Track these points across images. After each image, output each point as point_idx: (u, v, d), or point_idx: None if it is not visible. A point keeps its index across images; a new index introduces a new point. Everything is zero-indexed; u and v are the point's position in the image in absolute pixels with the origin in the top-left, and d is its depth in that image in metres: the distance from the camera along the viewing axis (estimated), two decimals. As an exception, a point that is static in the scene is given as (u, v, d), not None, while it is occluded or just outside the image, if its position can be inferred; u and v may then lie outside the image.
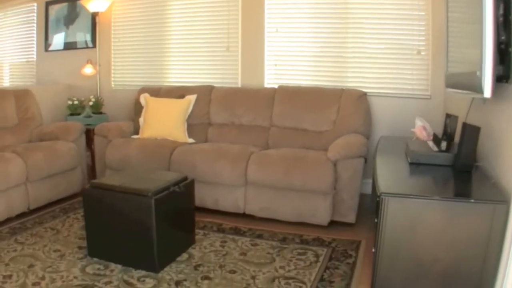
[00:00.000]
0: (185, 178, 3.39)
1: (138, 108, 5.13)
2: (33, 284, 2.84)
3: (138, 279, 2.92)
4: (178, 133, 4.73)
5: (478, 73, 2.19)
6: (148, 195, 2.97)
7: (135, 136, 4.88)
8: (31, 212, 4.30)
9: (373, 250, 2.38)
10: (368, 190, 4.30)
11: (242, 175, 3.89)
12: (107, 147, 4.67)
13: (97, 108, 5.83)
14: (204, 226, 3.86)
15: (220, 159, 3.99)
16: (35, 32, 7.24)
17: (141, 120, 4.97)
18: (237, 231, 3.76)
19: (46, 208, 4.45)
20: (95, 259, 3.22)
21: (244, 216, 4.03)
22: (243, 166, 3.89)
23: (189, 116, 4.89)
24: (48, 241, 3.58)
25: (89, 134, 5.36)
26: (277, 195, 3.83)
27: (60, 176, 4.61)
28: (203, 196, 4.03)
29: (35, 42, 7.26)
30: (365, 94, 4.43)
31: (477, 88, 2.22)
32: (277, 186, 3.78)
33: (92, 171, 5.47)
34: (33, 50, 7.35)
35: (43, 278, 2.93)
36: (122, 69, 6.19)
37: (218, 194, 4.05)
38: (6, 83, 7.90)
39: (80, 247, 3.44)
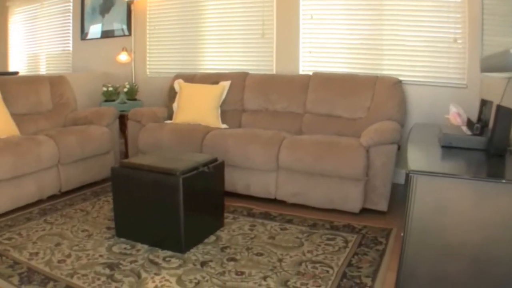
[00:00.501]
0: (215, 160, 3.44)
1: (172, 94, 5.23)
2: (59, 261, 2.95)
3: (164, 259, 2.99)
4: (211, 118, 4.81)
5: (511, 50, 2.20)
6: (176, 174, 3.01)
7: (168, 121, 4.98)
8: (63, 194, 4.45)
9: (401, 234, 2.40)
10: (402, 180, 4.31)
11: (274, 160, 3.94)
12: (140, 131, 4.80)
13: (131, 94, 5.97)
14: (234, 210, 3.93)
15: (252, 143, 4.05)
16: (71, 21, 7.45)
17: (174, 105, 5.07)
18: (267, 216, 3.80)
19: (77, 191, 4.59)
20: (122, 239, 3.31)
21: (275, 201, 4.08)
22: (275, 151, 3.93)
23: (223, 102, 4.98)
24: (77, 222, 3.71)
25: (123, 120, 5.52)
26: (309, 181, 3.86)
27: (93, 159, 4.76)
28: (235, 180, 4.10)
29: (71, 32, 7.47)
30: (400, 81, 4.41)
31: (511, 66, 2.23)
32: (309, 171, 3.81)
33: (125, 156, 5.63)
34: (69, 40, 7.56)
35: (69, 256, 3.03)
36: (157, 57, 6.32)
37: (250, 179, 4.11)
38: (43, 73, 8.13)
39: (108, 228, 3.54)
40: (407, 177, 2.20)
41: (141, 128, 4.85)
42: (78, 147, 4.53)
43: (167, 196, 3.04)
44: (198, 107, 4.89)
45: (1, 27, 9.40)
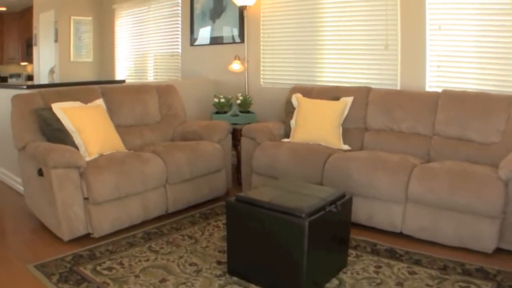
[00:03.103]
0: (343, 195, 3.47)
1: (289, 109, 5.44)
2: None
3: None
4: (332, 138, 4.98)
5: None
6: (301, 216, 3.00)
7: (285, 140, 5.20)
8: (169, 215, 4.70)
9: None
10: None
11: (402, 190, 3.99)
12: (255, 150, 5.03)
13: (244, 106, 6.28)
14: (356, 245, 3.97)
15: (378, 170, 4.13)
16: (179, 26, 7.93)
17: (292, 122, 5.27)
18: (392, 254, 3.79)
19: (185, 212, 4.83)
20: (234, 278, 3.37)
21: (400, 235, 4.11)
22: (404, 180, 3.99)
23: (344, 120, 5.12)
24: (184, 252, 3.83)
25: (235, 134, 5.75)
26: (438, 215, 3.87)
27: (203, 178, 5.00)
28: (357, 210, 4.11)
29: (180, 36, 7.95)
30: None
31: None
32: (440, 204, 3.83)
33: (237, 173, 5.89)
34: (178, 44, 8.04)
35: (175, 296, 3.17)
36: (271, 66, 6.62)
37: (373, 209, 4.20)
38: (151, 76, 8.68)
39: (219, 262, 3.63)
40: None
41: (256, 146, 5.07)
42: (187, 166, 4.75)
43: (289, 237, 3.06)
44: (318, 125, 5.07)
45: (108, 30, 10.09)
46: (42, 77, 10.29)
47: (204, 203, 5.07)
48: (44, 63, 10.55)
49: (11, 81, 13.70)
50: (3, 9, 13.25)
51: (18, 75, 13.97)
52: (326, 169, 4.45)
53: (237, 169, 5.94)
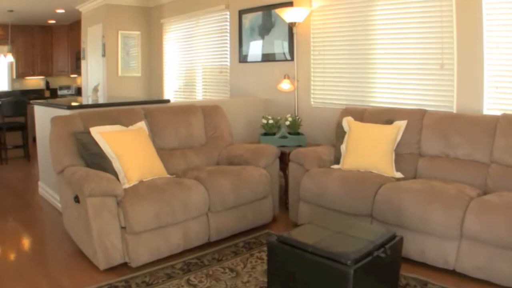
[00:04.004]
0: (393, 237, 3.40)
1: (339, 133, 5.42)
2: None
3: None
4: (385, 165, 4.94)
5: None
6: (346, 264, 2.94)
7: (335, 166, 5.19)
8: (211, 244, 4.71)
9: None
10: None
11: (457, 226, 3.90)
12: (303, 177, 5.02)
13: (294, 128, 6.29)
14: (406, 284, 3.87)
15: (432, 203, 4.04)
16: (228, 41, 8.06)
17: (343, 147, 5.25)
18: None
19: (228, 240, 4.84)
20: None
21: (453, 273, 4.02)
22: (459, 215, 3.90)
23: (397, 145, 5.06)
24: (224, 287, 3.81)
25: (283, 158, 5.75)
26: (495, 254, 3.75)
27: (248, 205, 5.00)
28: (407, 244, 4.07)
29: (228, 52, 8.07)
30: None
31: None
32: (497, 243, 3.72)
33: (285, 197, 5.87)
34: (226, 60, 8.17)
35: None
36: (322, 85, 6.65)
37: (425, 244, 4.11)
38: (199, 92, 8.80)
39: None
40: None
41: (304, 173, 5.07)
42: (232, 193, 4.75)
43: (333, 285, 3.01)
44: (370, 151, 5.03)
45: (156, 45, 10.30)
46: (90, 91, 10.56)
47: (249, 230, 5.08)
48: (92, 77, 10.88)
49: (61, 92, 14.14)
50: (53, 21, 13.66)
51: (68, 87, 14.41)
52: (377, 200, 4.41)
53: (285, 191, 5.93)
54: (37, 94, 14.18)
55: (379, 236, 3.34)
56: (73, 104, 5.95)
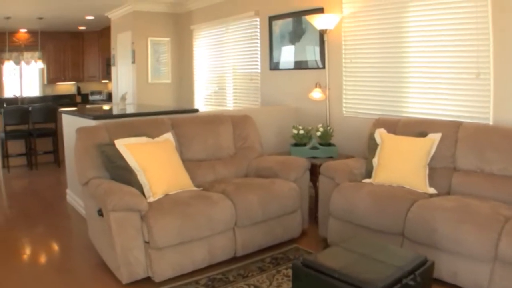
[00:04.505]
0: (424, 262, 3.28)
1: (372, 145, 5.35)
2: None
3: None
4: (417, 180, 4.84)
5: None
6: None
7: (366, 180, 5.12)
8: (237, 259, 4.68)
9: None
10: None
11: (491, 248, 3.78)
12: (333, 191, 4.95)
13: (325, 139, 6.24)
14: None
15: (465, 223, 3.94)
16: (258, 48, 8.06)
17: (374, 160, 5.18)
18: None
19: (255, 255, 4.81)
20: None
21: None
22: (494, 237, 3.78)
23: (431, 158, 4.96)
24: None
25: (314, 170, 5.70)
26: None
27: (276, 220, 4.96)
28: (439, 265, 3.97)
29: (258, 59, 8.06)
30: None
31: None
32: None
33: (315, 209, 5.81)
34: (257, 67, 8.15)
35: None
36: (353, 94, 6.59)
37: (458, 265, 4.01)
38: (230, 99, 8.81)
39: None
40: None
41: (335, 187, 5.00)
42: (260, 208, 4.72)
43: None
44: (403, 165, 4.95)
45: (186, 51, 10.37)
46: (119, 98, 10.63)
47: (277, 245, 5.05)
48: (122, 83, 11.01)
49: (93, 98, 14.36)
50: (83, 28, 13.85)
51: (99, 92, 14.63)
52: (408, 219, 4.31)
53: (315, 203, 5.88)
54: (68, 99, 14.48)
55: (409, 261, 3.25)
56: (99, 114, 6.01)
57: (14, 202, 7.54)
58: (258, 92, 8.21)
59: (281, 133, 6.98)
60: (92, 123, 5.52)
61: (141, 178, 4.54)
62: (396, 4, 5.92)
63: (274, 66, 7.74)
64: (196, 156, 5.48)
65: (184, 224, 4.18)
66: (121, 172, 4.59)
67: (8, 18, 11.25)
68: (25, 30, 13.60)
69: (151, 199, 4.41)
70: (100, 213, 4.20)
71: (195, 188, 4.92)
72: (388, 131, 5.35)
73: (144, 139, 4.92)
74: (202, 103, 10.18)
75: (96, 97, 14.76)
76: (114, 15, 11.25)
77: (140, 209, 4.11)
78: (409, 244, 4.30)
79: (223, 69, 9.29)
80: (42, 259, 5.02)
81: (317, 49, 6.91)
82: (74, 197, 6.76)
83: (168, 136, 5.18)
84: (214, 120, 5.82)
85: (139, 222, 4.13)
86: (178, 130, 5.43)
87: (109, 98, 13.89)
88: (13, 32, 13.39)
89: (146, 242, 4.13)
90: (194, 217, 4.26)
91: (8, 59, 12.50)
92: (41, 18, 11.61)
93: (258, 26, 8.06)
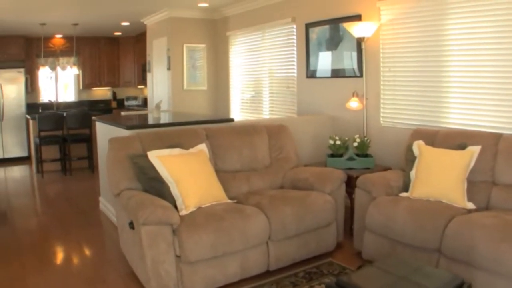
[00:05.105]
0: (460, 285, 3.26)
1: (409, 157, 5.31)
2: None
3: None
4: (456, 194, 4.81)
5: None
6: None
7: (403, 194, 5.10)
8: (270, 273, 4.71)
9: None
10: None
11: None
12: (370, 205, 4.95)
13: (362, 149, 6.23)
14: None
15: (505, 242, 3.84)
16: (295, 55, 8.09)
17: (412, 173, 5.15)
18: None
19: (288, 269, 4.81)
20: None
21: None
22: None
23: (470, 171, 4.91)
24: None
25: (350, 181, 5.71)
26: None
27: (310, 233, 4.98)
28: (477, 285, 3.93)
29: (295, 67, 8.09)
30: None
31: None
32: None
33: (350, 222, 5.81)
34: (293, 75, 8.18)
35: None
36: (391, 104, 6.57)
37: (497, 286, 3.92)
38: (265, 107, 8.83)
39: None
40: None
41: (371, 200, 5.00)
42: (294, 221, 4.74)
43: None
44: (441, 179, 4.91)
45: (222, 58, 10.49)
46: (155, 104, 10.75)
47: (311, 258, 5.06)
48: (158, 90, 11.16)
49: (128, 103, 14.56)
50: (119, 33, 14.05)
51: (134, 98, 14.81)
52: (446, 235, 4.27)
53: (350, 215, 5.85)
54: (103, 105, 14.70)
55: (445, 283, 3.24)
56: (133, 123, 6.10)
57: (47, 208, 7.76)
58: (294, 100, 8.25)
59: (318, 143, 7.01)
60: (125, 132, 5.64)
61: (174, 190, 4.60)
62: (436, 11, 5.88)
63: (311, 74, 7.76)
64: (230, 167, 5.53)
65: (217, 238, 4.20)
66: (153, 184, 4.67)
67: (43, 24, 11.51)
68: (60, 35, 13.91)
69: (183, 212, 4.47)
70: (132, 225, 4.25)
71: (228, 201, 4.98)
72: (427, 143, 5.32)
73: (177, 150, 4.99)
74: (238, 109, 10.29)
75: (132, 102, 14.95)
76: (149, 21, 11.41)
77: (172, 222, 4.15)
78: (446, 261, 4.27)
79: (259, 75, 9.36)
80: (73, 267, 5.14)
81: (355, 57, 6.91)
82: (106, 205, 6.90)
83: (202, 147, 5.23)
84: (250, 130, 5.86)
85: (171, 236, 4.16)
86: (213, 141, 5.50)
87: (144, 103, 14.06)
88: (48, 38, 13.72)
89: (178, 256, 4.18)
90: (228, 231, 4.28)
91: (44, 65, 12.74)
92: (76, 24, 11.87)
93: (295, 33, 8.10)
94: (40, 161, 10.33)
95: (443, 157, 5.03)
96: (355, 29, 6.32)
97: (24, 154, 12.79)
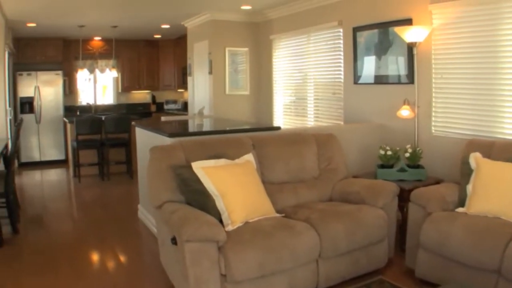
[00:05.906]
0: None
1: (465, 170, 5.17)
2: None
3: None
4: (517, 210, 4.67)
5: None
6: None
7: (460, 210, 4.95)
8: None
9: None
10: None
11: None
12: (425, 221, 4.80)
13: (413, 160, 6.12)
14: None
15: None
16: (341, 61, 8.01)
17: (468, 187, 5.01)
18: None
19: (337, 287, 4.73)
20: None
21: None
22: None
23: None
24: None
25: (402, 194, 5.56)
26: None
27: (361, 250, 4.87)
28: None
29: (342, 72, 8.02)
30: None
31: None
32: None
33: (401, 237, 5.69)
34: (340, 81, 8.11)
35: None
36: (444, 112, 6.45)
37: None
38: (310, 113, 8.78)
39: None
40: None
41: (425, 216, 4.86)
42: (345, 238, 4.64)
43: None
44: (500, 194, 4.76)
45: (265, 62, 10.47)
46: (196, 108, 10.84)
47: (360, 276, 4.97)
48: (199, 94, 11.18)
49: (168, 107, 14.67)
50: (158, 36, 14.14)
51: (174, 102, 14.91)
52: (506, 255, 4.10)
53: (401, 230, 5.74)
54: (142, 108, 14.81)
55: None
56: (175, 131, 6.09)
57: (83, 213, 7.84)
58: (341, 106, 8.18)
59: (365, 152, 6.93)
60: (167, 140, 5.61)
61: (219, 204, 4.51)
62: (490, 15, 5.74)
63: (358, 80, 7.68)
64: (278, 178, 5.46)
65: (265, 257, 4.11)
66: (197, 197, 4.57)
67: (82, 26, 11.65)
68: (99, 38, 14.10)
69: (229, 228, 4.40)
70: (174, 241, 4.17)
71: (276, 215, 4.90)
72: (483, 155, 5.17)
73: (223, 161, 4.92)
74: (281, 115, 10.26)
75: (171, 106, 15.05)
76: (190, 24, 11.45)
77: (219, 240, 4.04)
78: (505, 283, 4.12)
79: (303, 80, 9.31)
80: (109, 279, 5.11)
81: (405, 63, 6.80)
82: (145, 214, 6.90)
83: (249, 157, 5.16)
84: (298, 139, 5.79)
85: (216, 253, 4.03)
86: (260, 151, 5.43)
87: (184, 107, 14.13)
88: (87, 40, 13.91)
89: (223, 275, 4.09)
90: (277, 249, 4.18)
91: (82, 67, 12.88)
92: (115, 27, 11.99)
93: (341, 37, 8.02)
94: (77, 165, 10.45)
95: (503, 171, 4.88)
96: (408, 34, 6.22)
97: (61, 157, 13.05)
